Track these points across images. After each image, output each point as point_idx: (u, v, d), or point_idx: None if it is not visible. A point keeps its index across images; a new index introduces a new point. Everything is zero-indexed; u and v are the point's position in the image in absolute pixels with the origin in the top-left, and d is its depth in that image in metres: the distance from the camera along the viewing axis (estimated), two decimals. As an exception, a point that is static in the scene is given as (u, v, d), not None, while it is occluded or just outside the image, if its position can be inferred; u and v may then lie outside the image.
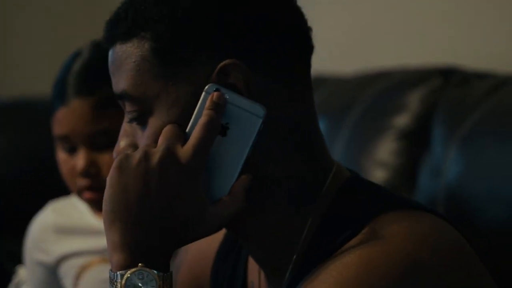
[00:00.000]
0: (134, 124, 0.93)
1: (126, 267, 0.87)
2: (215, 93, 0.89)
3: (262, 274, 1.01)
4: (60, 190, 1.78)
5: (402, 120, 1.73)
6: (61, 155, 1.55)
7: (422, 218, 0.91)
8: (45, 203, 1.71)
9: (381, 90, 1.82)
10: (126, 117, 0.94)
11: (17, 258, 1.90)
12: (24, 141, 2.33)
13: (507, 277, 1.18)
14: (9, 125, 2.36)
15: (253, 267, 1.03)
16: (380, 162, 1.72)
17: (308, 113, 0.95)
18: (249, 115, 0.90)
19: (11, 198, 2.27)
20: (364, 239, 0.87)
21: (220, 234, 1.08)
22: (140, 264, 0.86)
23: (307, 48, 0.95)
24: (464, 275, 0.88)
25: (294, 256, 0.93)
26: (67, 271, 1.60)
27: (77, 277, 1.59)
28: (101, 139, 1.50)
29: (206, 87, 0.90)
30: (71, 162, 1.53)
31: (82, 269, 1.59)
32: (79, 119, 1.51)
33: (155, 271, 0.87)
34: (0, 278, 1.84)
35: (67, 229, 1.62)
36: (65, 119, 1.52)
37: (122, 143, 0.94)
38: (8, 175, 2.28)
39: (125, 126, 0.95)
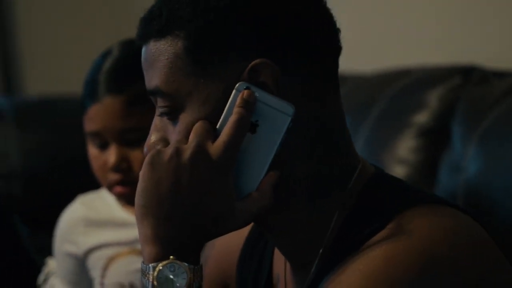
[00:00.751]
0: (165, 119, 0.93)
1: (158, 259, 0.87)
2: (246, 91, 0.89)
3: (288, 267, 1.01)
4: (87, 185, 1.79)
5: (422, 117, 1.73)
6: (93, 151, 1.56)
7: (445, 213, 0.91)
8: (73, 198, 1.72)
9: (401, 88, 1.81)
10: (157, 112, 0.94)
11: (46, 251, 1.91)
12: (53, 137, 2.34)
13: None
14: (38, 122, 2.36)
15: (278, 260, 1.03)
16: (400, 159, 1.72)
17: (335, 112, 0.95)
18: (278, 113, 0.90)
19: (40, 193, 2.28)
20: (389, 234, 0.87)
21: (246, 229, 1.07)
22: (171, 257, 0.87)
23: (336, 49, 0.95)
24: (485, 270, 0.88)
25: (321, 250, 0.93)
26: (95, 262, 1.61)
27: (105, 268, 1.60)
28: (131, 135, 1.51)
29: (237, 85, 0.90)
30: (103, 158, 1.54)
31: (110, 260, 1.60)
32: (110, 116, 1.51)
33: (186, 264, 0.87)
34: (30, 269, 1.85)
35: (96, 221, 1.63)
36: (97, 116, 1.52)
37: (153, 137, 0.94)
38: (37, 171, 2.28)
39: (156, 121, 0.95)
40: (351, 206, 0.94)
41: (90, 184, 1.80)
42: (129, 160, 1.52)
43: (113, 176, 1.53)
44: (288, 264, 1.01)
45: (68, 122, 2.35)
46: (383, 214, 0.90)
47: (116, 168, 1.52)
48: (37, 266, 1.84)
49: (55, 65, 3.02)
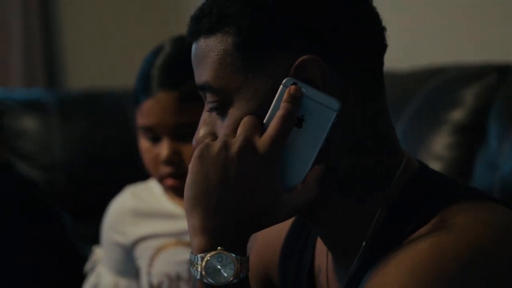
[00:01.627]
0: (214, 114, 0.94)
1: (206, 250, 0.87)
2: (293, 87, 0.89)
3: (330, 258, 1.00)
4: (128, 177, 1.80)
5: (458, 115, 1.72)
6: (145, 144, 1.56)
7: (489, 208, 0.90)
8: (113, 189, 1.73)
9: (437, 85, 1.80)
10: (207, 107, 0.95)
11: (88, 240, 1.93)
12: (94, 130, 2.35)
13: None
14: (80, 115, 2.38)
15: (320, 252, 1.03)
16: (436, 155, 1.71)
17: (380, 108, 0.95)
18: (324, 109, 0.89)
19: (81, 185, 2.29)
20: (433, 228, 0.87)
21: (288, 221, 1.07)
22: (219, 247, 0.87)
23: (381, 47, 0.95)
24: None
25: (364, 243, 0.93)
26: (143, 252, 1.62)
27: (152, 258, 1.60)
28: (184, 130, 1.51)
29: (284, 80, 0.90)
30: (155, 151, 1.54)
31: (157, 251, 1.60)
32: (164, 111, 1.51)
33: (233, 255, 0.87)
34: (75, 257, 1.86)
35: (144, 212, 1.63)
36: (151, 111, 1.52)
37: (201, 131, 0.95)
38: (79, 163, 2.30)
39: (205, 115, 0.95)
40: (395, 200, 0.93)
41: (131, 176, 1.81)
42: (181, 154, 1.52)
43: (165, 169, 1.53)
44: (330, 256, 1.00)
45: (110, 115, 2.37)
46: (427, 209, 0.89)
47: (168, 161, 1.52)
48: (81, 255, 1.85)
49: (97, 60, 3.04)
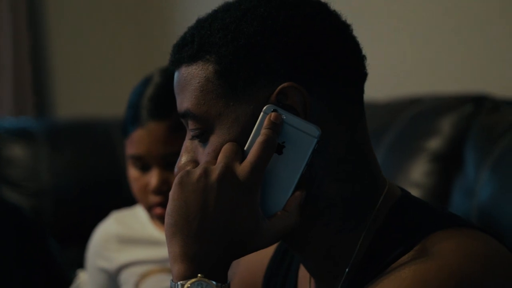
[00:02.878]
0: (196, 141, 0.92)
1: (186, 277, 0.84)
2: (273, 113, 0.87)
3: (313, 285, 0.98)
4: (114, 203, 1.77)
5: (435, 143, 1.71)
6: (133, 173, 1.53)
7: (471, 234, 0.88)
8: (100, 215, 1.70)
9: (414, 115, 1.79)
10: (188, 134, 0.93)
11: (74, 265, 1.89)
12: (82, 157, 2.33)
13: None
14: (68, 143, 2.36)
15: (303, 278, 1.00)
16: (414, 183, 1.69)
17: (362, 134, 0.93)
18: (305, 135, 0.87)
19: (69, 210, 2.27)
20: (417, 255, 0.85)
21: (271, 247, 1.06)
22: (199, 275, 0.84)
23: (361, 75, 0.93)
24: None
25: (347, 269, 0.90)
26: (127, 279, 1.58)
27: (137, 284, 1.57)
28: (173, 159, 1.47)
29: (265, 107, 0.88)
30: (144, 180, 1.52)
31: (142, 277, 1.57)
32: (154, 141, 1.49)
33: (213, 282, 0.84)
34: (61, 282, 1.82)
35: (129, 239, 1.60)
36: (141, 140, 1.50)
37: (183, 158, 0.92)
38: (66, 190, 2.28)
39: (187, 143, 0.93)
40: (379, 227, 0.91)
41: (117, 202, 1.78)
42: (170, 183, 1.49)
43: (154, 199, 1.51)
44: (313, 282, 0.98)
45: (97, 143, 2.35)
46: (411, 236, 0.87)
47: (157, 191, 1.50)
48: (66, 279, 1.82)
49: (84, 90, 3.02)
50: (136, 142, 1.50)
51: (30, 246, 1.82)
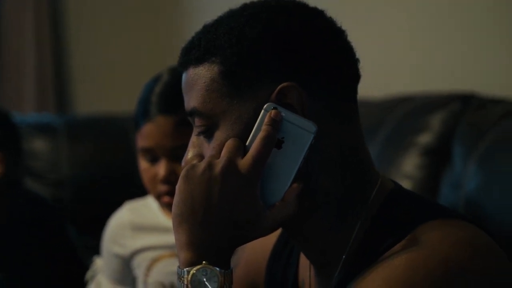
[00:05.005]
0: (202, 137, 0.91)
1: (191, 264, 0.84)
2: (273, 111, 0.87)
3: (313, 272, 0.97)
4: (128, 193, 1.76)
5: (425, 138, 1.70)
6: (144, 165, 1.53)
7: (459, 225, 0.87)
8: (115, 204, 1.69)
9: (406, 112, 1.78)
10: (195, 131, 0.92)
11: (91, 250, 1.88)
12: (98, 151, 2.34)
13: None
14: (86, 137, 2.36)
15: (304, 265, 1.00)
16: (406, 175, 1.68)
17: (354, 131, 0.92)
18: (302, 131, 0.87)
19: (86, 199, 2.26)
20: (408, 244, 0.84)
21: (274, 235, 1.05)
22: (204, 262, 0.84)
23: (355, 76, 0.93)
24: (497, 277, 0.84)
25: (343, 257, 0.90)
26: (140, 263, 1.57)
27: (149, 268, 1.56)
28: (180, 152, 1.46)
29: (265, 105, 0.87)
30: (153, 171, 1.51)
31: (153, 262, 1.56)
32: (162, 134, 1.48)
33: (217, 268, 0.84)
34: (78, 266, 1.82)
35: (141, 226, 1.60)
36: (150, 133, 1.49)
37: (190, 153, 0.92)
38: (84, 180, 2.28)
39: (193, 139, 0.92)
40: (373, 218, 0.90)
41: (131, 192, 1.78)
42: (177, 174, 1.48)
43: (162, 188, 1.50)
44: (313, 269, 0.97)
45: (113, 138, 2.35)
46: (403, 226, 0.86)
47: (165, 180, 1.49)
48: (83, 264, 1.81)
49: (102, 88, 3.02)
50: (146, 136, 1.49)
51: (51, 231, 1.82)
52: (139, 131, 1.51)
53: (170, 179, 1.48)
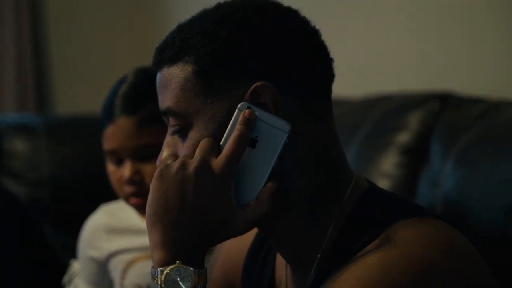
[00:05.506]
0: (176, 137, 0.90)
1: (165, 264, 0.83)
2: (247, 110, 0.86)
3: (289, 271, 0.97)
4: (106, 194, 1.75)
5: (404, 137, 1.70)
6: (110, 167, 1.52)
7: (433, 224, 0.87)
8: (94, 204, 1.68)
9: (385, 111, 1.78)
10: (170, 130, 0.91)
11: (69, 250, 1.87)
12: (78, 151, 2.32)
13: (501, 280, 1.13)
14: (66, 137, 2.35)
15: (280, 264, 1.00)
16: (385, 174, 1.68)
17: (328, 131, 0.92)
18: (276, 131, 0.86)
19: (65, 200, 2.25)
20: (382, 243, 0.83)
21: (251, 234, 1.04)
22: (178, 261, 0.83)
23: (329, 76, 0.92)
24: (471, 276, 0.83)
25: (319, 255, 0.89)
26: (116, 266, 1.57)
27: (124, 270, 1.55)
28: (143, 151, 1.47)
29: (239, 105, 0.87)
30: (119, 173, 1.50)
31: (129, 264, 1.55)
32: (125, 135, 1.46)
33: (191, 268, 0.83)
34: (55, 267, 1.81)
35: (117, 229, 1.59)
36: (113, 135, 1.48)
37: (164, 153, 0.91)
38: (63, 180, 2.26)
39: (168, 138, 0.92)
40: (347, 217, 0.90)
41: (109, 193, 1.76)
42: (142, 174, 1.47)
43: (128, 189, 1.49)
44: (289, 268, 0.97)
45: (92, 137, 2.32)
46: (376, 225, 0.86)
47: (130, 181, 1.47)
48: (61, 264, 1.80)
49: (82, 87, 3.00)
50: (110, 138, 1.48)
51: (27, 231, 1.81)
52: (104, 133, 1.51)
53: (135, 179, 1.47)
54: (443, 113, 1.67)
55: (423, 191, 1.61)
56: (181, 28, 0.91)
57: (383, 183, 1.66)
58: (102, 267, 1.58)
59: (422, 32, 1.96)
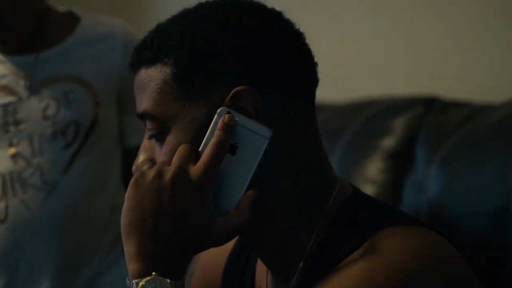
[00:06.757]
0: (153, 141, 0.86)
1: (141, 275, 0.79)
2: (227, 116, 0.82)
3: (269, 279, 0.93)
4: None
5: (388, 142, 1.67)
6: None
7: (418, 232, 0.84)
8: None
9: (369, 116, 1.76)
10: (147, 134, 0.87)
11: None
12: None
13: (485, 285, 1.11)
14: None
15: (260, 272, 0.96)
16: (369, 179, 1.66)
17: (311, 136, 0.88)
18: (257, 136, 0.82)
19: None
20: (365, 253, 0.80)
21: (231, 243, 1.01)
22: (154, 273, 0.79)
23: (313, 80, 0.88)
24: (456, 283, 0.80)
25: (301, 264, 0.86)
26: None
27: None
28: None
29: (219, 110, 0.83)
30: None
31: None
32: None
33: (167, 280, 0.79)
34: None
35: None
36: None
37: (141, 157, 0.87)
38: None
39: (145, 142, 0.88)
40: (330, 223, 0.86)
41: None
42: None
43: None
44: (269, 276, 0.93)
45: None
46: (360, 233, 0.83)
47: None
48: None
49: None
50: None
51: None
52: None
53: None
54: (428, 117, 1.65)
55: (408, 196, 1.59)
56: (160, 28, 0.87)
57: (368, 189, 1.63)
58: None
59: (407, 37, 1.95)
